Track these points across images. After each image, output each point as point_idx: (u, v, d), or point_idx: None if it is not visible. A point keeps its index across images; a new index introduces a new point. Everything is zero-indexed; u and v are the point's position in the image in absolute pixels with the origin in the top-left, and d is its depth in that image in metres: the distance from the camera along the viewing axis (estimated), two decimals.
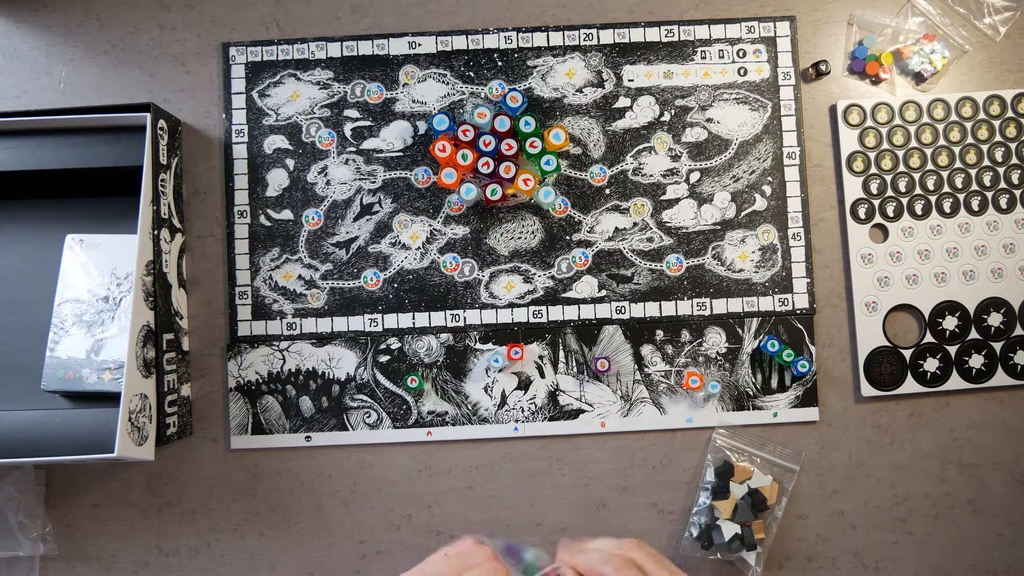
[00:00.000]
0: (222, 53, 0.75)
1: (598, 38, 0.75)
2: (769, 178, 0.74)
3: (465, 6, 0.76)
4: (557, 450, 0.73)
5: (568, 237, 0.74)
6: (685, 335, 0.73)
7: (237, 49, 0.75)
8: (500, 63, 0.75)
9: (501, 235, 0.74)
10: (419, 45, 0.75)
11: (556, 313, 0.73)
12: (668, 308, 0.74)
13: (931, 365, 0.73)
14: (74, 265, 0.70)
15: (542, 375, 0.73)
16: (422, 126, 0.74)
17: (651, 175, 0.74)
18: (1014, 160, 0.74)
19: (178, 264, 0.72)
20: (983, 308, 0.73)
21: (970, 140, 0.74)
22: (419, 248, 0.74)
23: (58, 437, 0.68)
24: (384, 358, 0.73)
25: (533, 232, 0.74)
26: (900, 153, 0.74)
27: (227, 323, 0.73)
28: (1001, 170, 0.74)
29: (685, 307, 0.74)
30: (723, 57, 0.75)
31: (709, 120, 0.75)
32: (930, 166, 0.74)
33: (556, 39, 0.75)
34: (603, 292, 0.74)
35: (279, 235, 0.74)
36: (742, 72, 0.75)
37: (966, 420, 0.73)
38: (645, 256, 0.74)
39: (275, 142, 0.74)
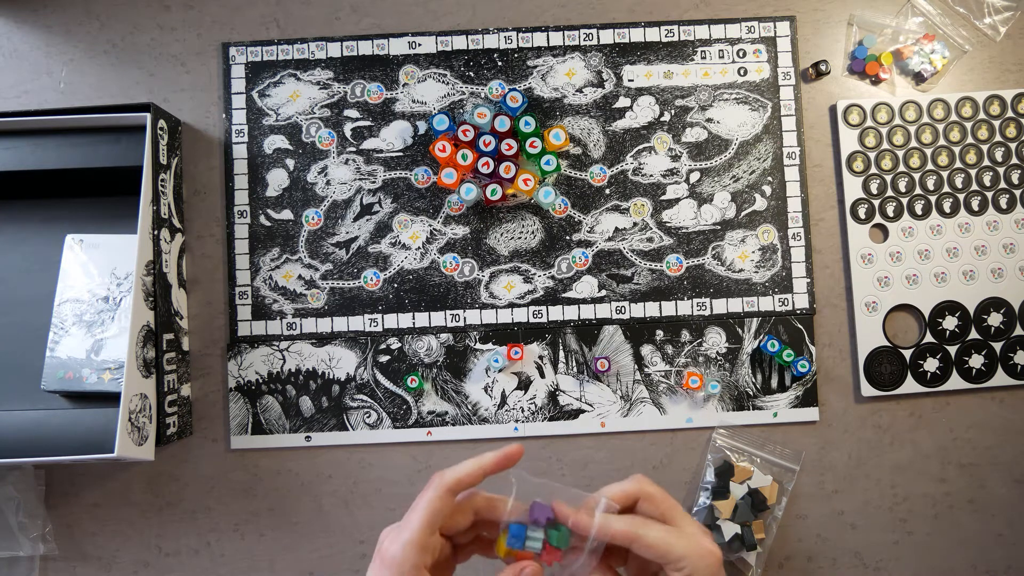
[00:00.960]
0: (222, 53, 0.75)
1: (598, 38, 0.75)
2: (769, 178, 0.74)
3: (465, 6, 0.76)
4: (557, 450, 0.73)
5: (568, 237, 0.74)
6: (685, 335, 0.73)
7: (237, 49, 0.75)
8: (500, 63, 0.75)
9: (501, 235, 0.74)
10: (419, 45, 0.75)
11: (556, 313, 0.73)
12: (668, 308, 0.74)
13: (931, 365, 0.73)
14: (74, 265, 0.70)
15: (542, 375, 0.73)
16: (422, 126, 0.74)
17: (651, 175, 0.74)
18: (1014, 160, 0.74)
19: (178, 264, 0.72)
20: (983, 308, 0.73)
21: (970, 140, 0.74)
22: (419, 248, 0.74)
23: (58, 437, 0.68)
24: (384, 358, 0.73)
25: (533, 232, 0.74)
26: (900, 153, 0.74)
27: (227, 323, 0.73)
28: (1001, 170, 0.74)
29: (685, 307, 0.74)
30: (723, 57, 0.75)
31: (709, 120, 0.75)
32: (930, 166, 0.74)
33: (556, 39, 0.75)
34: (603, 292, 0.74)
35: (279, 235, 0.74)
36: (742, 72, 0.75)
37: (966, 420, 0.73)
38: (645, 256, 0.74)
39: (275, 142, 0.74)
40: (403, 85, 0.75)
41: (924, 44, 0.74)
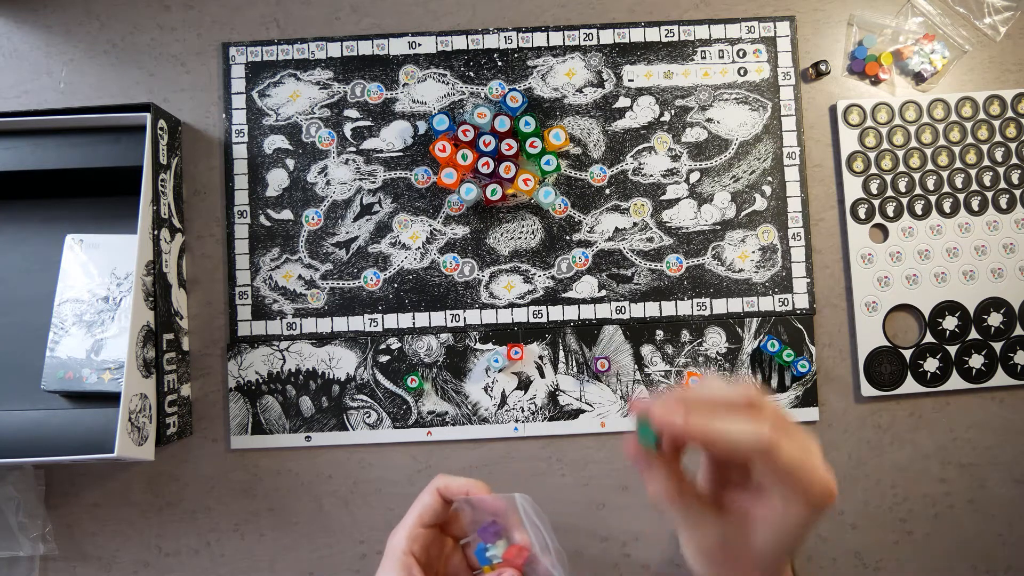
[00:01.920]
0: (222, 53, 0.75)
1: (598, 38, 0.75)
2: (769, 178, 0.74)
3: (465, 6, 0.76)
4: (557, 450, 0.73)
5: (568, 237, 0.74)
6: (685, 335, 0.73)
7: (237, 49, 0.75)
8: (500, 63, 0.75)
9: (501, 235, 0.74)
10: (419, 45, 0.75)
11: (556, 313, 0.73)
12: (668, 308, 0.74)
13: (931, 365, 0.73)
14: (74, 265, 0.70)
15: (542, 375, 0.73)
16: (422, 126, 0.74)
17: (651, 175, 0.74)
18: (1014, 160, 0.74)
19: (178, 264, 0.72)
20: (983, 308, 0.73)
21: (970, 140, 0.74)
22: (419, 248, 0.74)
23: (58, 437, 0.68)
24: (384, 358, 0.73)
25: (533, 232, 0.74)
26: (900, 153, 0.74)
27: (227, 323, 0.73)
28: (1001, 170, 0.74)
29: (685, 307, 0.74)
30: (723, 57, 0.75)
31: (709, 120, 0.75)
32: (930, 166, 0.74)
33: (556, 39, 0.75)
34: (603, 292, 0.74)
35: (279, 235, 0.74)
36: (742, 72, 0.75)
37: (966, 420, 0.73)
38: (645, 256, 0.74)
39: (275, 142, 0.74)
40: (403, 85, 0.75)
41: (924, 44, 0.74)
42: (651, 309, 0.73)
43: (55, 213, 0.74)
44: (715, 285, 0.74)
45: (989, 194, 0.74)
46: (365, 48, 0.75)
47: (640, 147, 0.74)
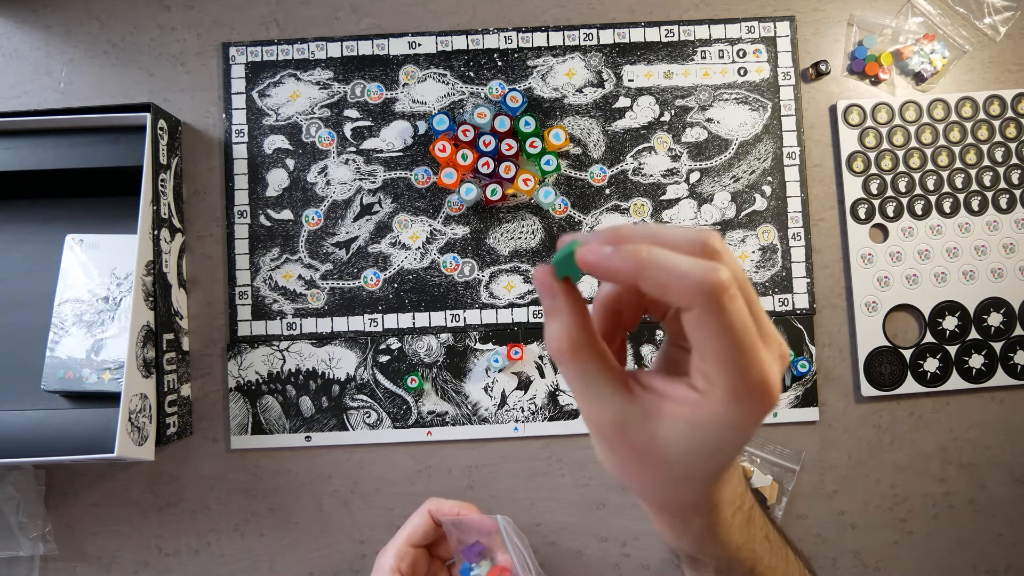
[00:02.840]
0: (222, 53, 0.75)
1: (598, 38, 0.75)
2: (769, 178, 0.74)
3: (465, 6, 0.76)
4: (557, 450, 0.73)
5: None
6: None
7: (237, 49, 0.75)
8: (500, 63, 0.75)
9: (501, 235, 0.74)
10: (419, 45, 0.75)
11: None
12: None
13: (931, 365, 0.73)
14: (74, 265, 0.70)
15: (542, 375, 0.73)
16: (422, 126, 0.74)
17: (651, 175, 0.74)
18: (1014, 160, 0.74)
19: (178, 264, 0.72)
20: (983, 308, 0.73)
21: (970, 140, 0.74)
22: (419, 248, 0.74)
23: (58, 437, 0.68)
24: (384, 358, 0.73)
25: (533, 232, 0.74)
26: (900, 153, 0.74)
27: (227, 323, 0.73)
28: (1001, 170, 0.74)
29: None
30: (723, 57, 0.75)
31: (709, 120, 0.75)
32: (930, 166, 0.74)
33: (556, 39, 0.75)
34: None
35: (279, 235, 0.74)
36: (742, 72, 0.75)
37: (966, 420, 0.73)
38: None
39: (275, 142, 0.74)
40: (403, 85, 0.75)
41: (924, 44, 0.74)
42: None
43: (55, 213, 0.73)
44: None
45: (989, 194, 0.74)
46: (365, 48, 0.75)
47: (640, 147, 0.74)
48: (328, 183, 0.74)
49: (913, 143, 0.74)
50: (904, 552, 0.73)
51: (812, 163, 0.75)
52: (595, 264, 0.29)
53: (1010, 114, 0.74)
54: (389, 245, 0.74)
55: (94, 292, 0.70)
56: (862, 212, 0.74)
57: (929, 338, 0.73)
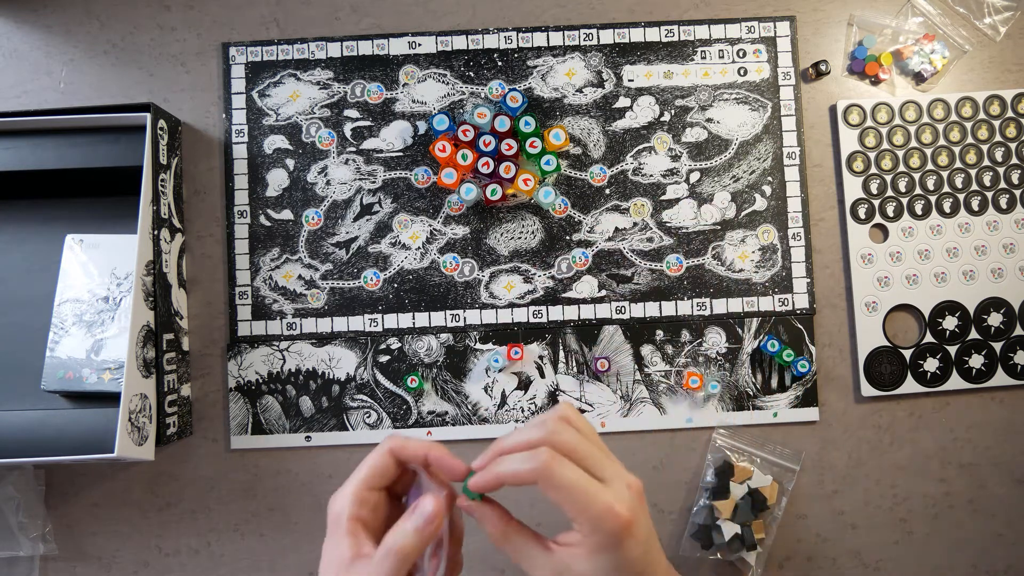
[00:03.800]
0: (222, 53, 0.75)
1: (598, 38, 0.75)
2: (769, 178, 0.74)
3: (465, 6, 0.76)
4: None
5: (568, 237, 0.74)
6: (685, 335, 0.73)
7: (237, 49, 0.75)
8: (500, 63, 0.75)
9: (501, 235, 0.74)
10: (419, 45, 0.75)
11: (556, 313, 0.73)
12: (668, 308, 0.74)
13: (931, 365, 0.73)
14: (74, 265, 0.70)
15: (542, 375, 0.73)
16: (422, 126, 0.74)
17: (651, 175, 0.74)
18: (1014, 160, 0.74)
19: (178, 264, 0.72)
20: (983, 308, 0.73)
21: (970, 140, 0.74)
22: (419, 248, 0.74)
23: (58, 437, 0.68)
24: (384, 358, 0.73)
25: (533, 232, 0.74)
26: (900, 153, 0.74)
27: (227, 323, 0.73)
28: (1001, 170, 0.74)
29: (685, 307, 0.74)
30: (723, 57, 0.75)
31: (709, 120, 0.75)
32: (930, 166, 0.74)
33: (556, 39, 0.75)
34: (603, 292, 0.74)
35: (279, 235, 0.74)
36: (742, 72, 0.75)
37: (966, 420, 0.73)
38: (645, 256, 0.74)
39: (275, 142, 0.74)
40: (403, 85, 0.75)
41: (924, 44, 0.74)
42: (651, 309, 0.73)
43: (55, 213, 0.74)
44: (715, 285, 0.74)
45: (989, 194, 0.74)
46: (365, 48, 0.75)
47: (640, 147, 0.74)
48: (328, 183, 0.74)
49: (913, 143, 0.74)
50: (904, 552, 0.73)
51: (812, 163, 0.75)
52: (480, 488, 0.44)
53: (1010, 114, 0.74)
54: (389, 245, 0.74)
55: (94, 292, 0.70)
56: (862, 212, 0.74)
57: (929, 338, 0.73)
